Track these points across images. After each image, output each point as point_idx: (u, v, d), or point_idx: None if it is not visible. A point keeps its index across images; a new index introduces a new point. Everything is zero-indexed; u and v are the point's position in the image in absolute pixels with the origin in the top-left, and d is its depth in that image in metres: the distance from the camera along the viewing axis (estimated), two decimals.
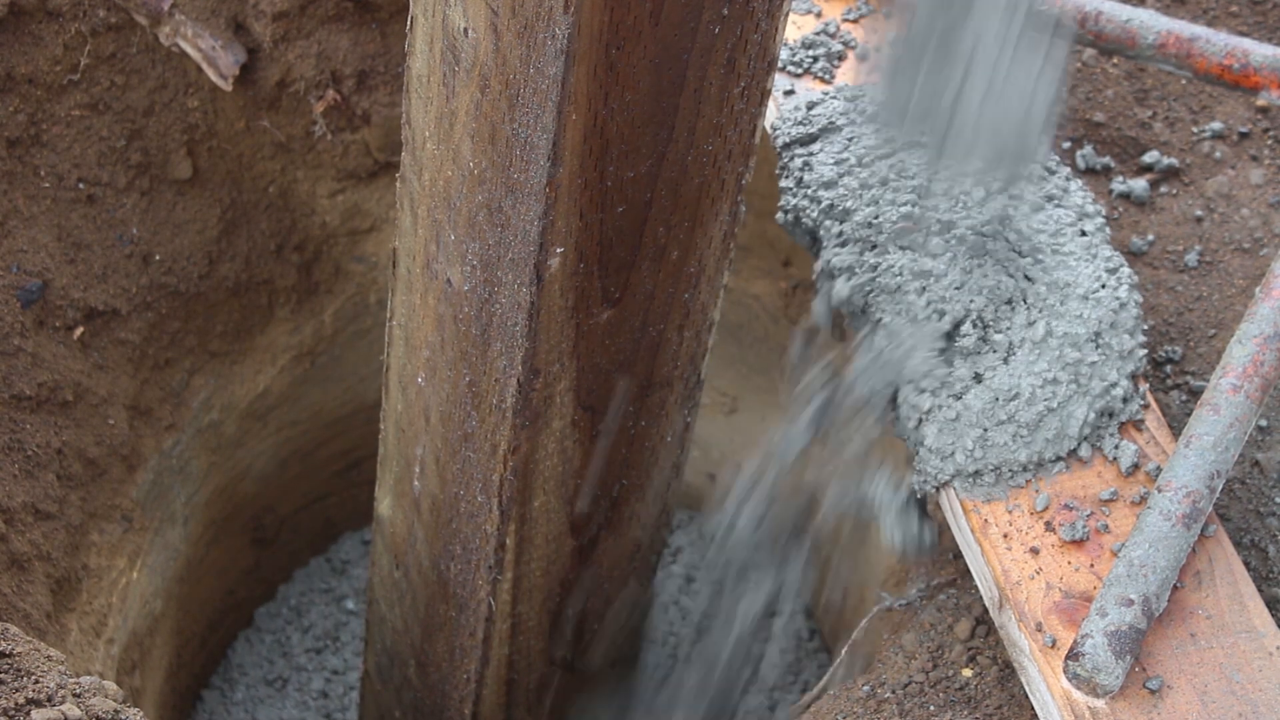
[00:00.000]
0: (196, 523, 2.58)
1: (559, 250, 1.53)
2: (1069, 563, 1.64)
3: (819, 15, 2.13)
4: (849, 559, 2.46)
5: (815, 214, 1.86)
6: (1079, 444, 1.72)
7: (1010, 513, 1.69)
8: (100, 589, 2.23)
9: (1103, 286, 1.77)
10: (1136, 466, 1.72)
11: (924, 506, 1.79)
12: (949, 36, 1.62)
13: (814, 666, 2.80)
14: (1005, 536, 1.67)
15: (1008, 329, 1.75)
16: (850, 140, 1.90)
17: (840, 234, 1.83)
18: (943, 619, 1.85)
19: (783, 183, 1.91)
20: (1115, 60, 2.27)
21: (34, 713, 1.51)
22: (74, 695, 1.56)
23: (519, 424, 1.71)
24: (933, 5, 1.62)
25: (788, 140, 1.93)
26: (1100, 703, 1.54)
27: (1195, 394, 1.93)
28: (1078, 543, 1.66)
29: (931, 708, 1.73)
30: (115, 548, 2.28)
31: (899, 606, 1.94)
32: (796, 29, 2.11)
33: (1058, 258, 1.80)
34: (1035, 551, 1.65)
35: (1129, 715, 1.53)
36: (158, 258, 2.38)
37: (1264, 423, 1.91)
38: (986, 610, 1.80)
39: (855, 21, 2.12)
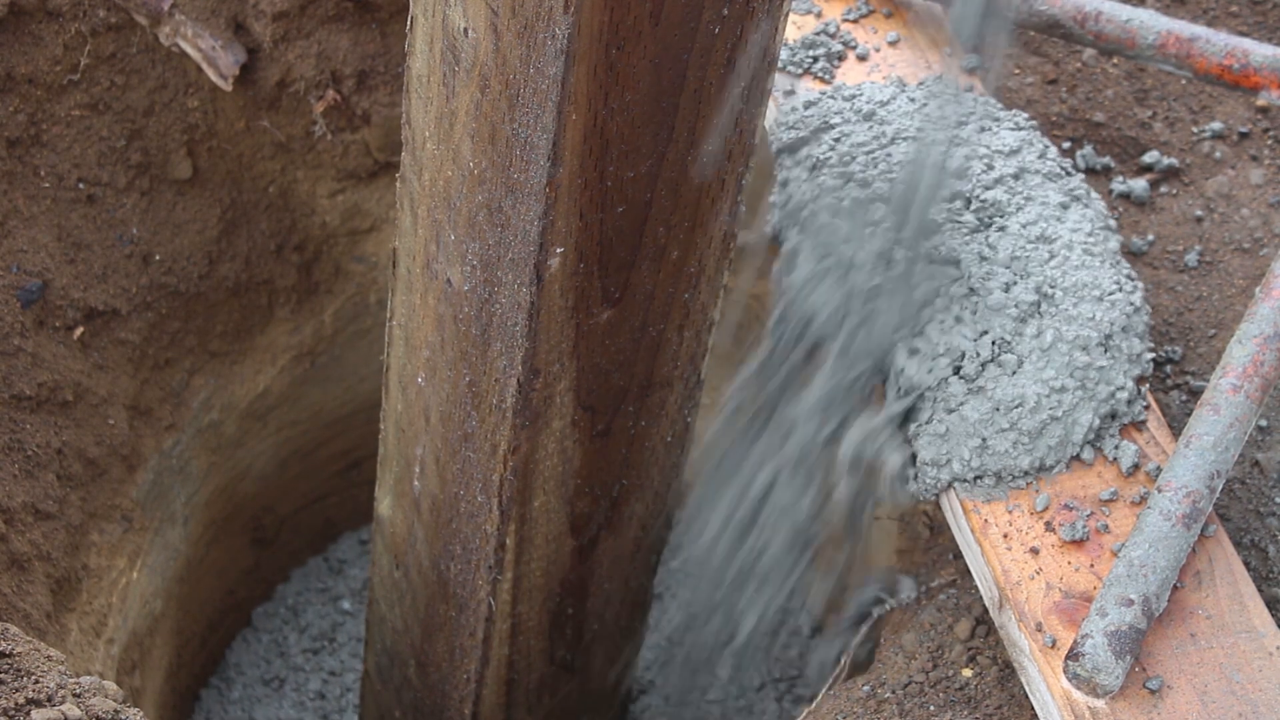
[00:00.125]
0: (196, 523, 2.58)
1: (559, 250, 1.53)
2: (1069, 563, 1.64)
3: (819, 15, 2.13)
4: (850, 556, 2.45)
5: None
6: (1082, 449, 1.71)
7: (1010, 513, 1.69)
8: (100, 589, 2.22)
9: (1119, 289, 1.76)
10: (1137, 466, 1.72)
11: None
12: None
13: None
14: (1005, 536, 1.67)
15: (1017, 344, 1.73)
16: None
17: None
18: (943, 619, 1.85)
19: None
20: (1115, 60, 2.27)
21: (34, 713, 1.51)
22: (74, 695, 1.56)
23: (519, 424, 1.71)
24: None
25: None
26: (1100, 703, 1.54)
27: (1195, 394, 1.93)
28: (1078, 543, 1.66)
29: (931, 708, 1.73)
30: (115, 548, 2.28)
31: (899, 607, 1.94)
32: (796, 29, 2.10)
33: (1087, 258, 1.78)
34: (1035, 551, 1.65)
35: (1129, 715, 1.53)
36: (158, 258, 2.38)
37: (1264, 423, 1.91)
38: (986, 610, 1.80)
39: (855, 21, 2.12)
